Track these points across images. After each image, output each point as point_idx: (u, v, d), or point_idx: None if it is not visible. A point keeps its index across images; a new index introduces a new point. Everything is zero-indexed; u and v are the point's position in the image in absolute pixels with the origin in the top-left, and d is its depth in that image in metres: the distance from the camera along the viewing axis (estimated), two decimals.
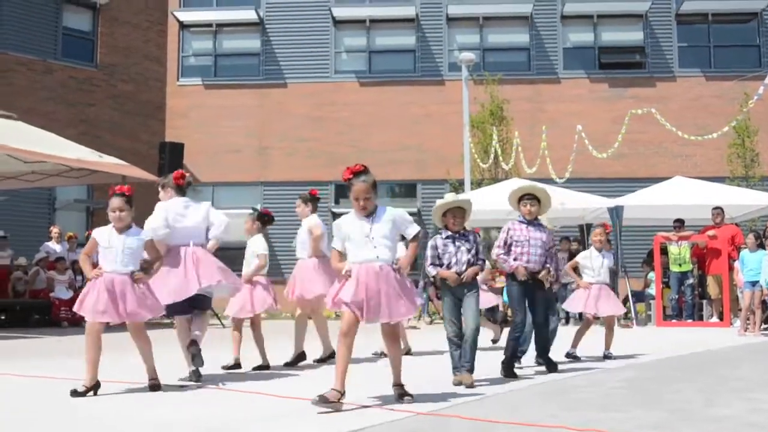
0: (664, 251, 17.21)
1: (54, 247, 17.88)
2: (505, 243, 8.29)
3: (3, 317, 17.18)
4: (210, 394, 7.02)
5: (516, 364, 8.30)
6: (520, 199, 8.41)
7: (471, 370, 7.31)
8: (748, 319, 14.24)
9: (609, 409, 6.00)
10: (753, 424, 5.33)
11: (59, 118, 20.84)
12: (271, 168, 23.76)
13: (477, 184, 20.83)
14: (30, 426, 5.55)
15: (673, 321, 16.75)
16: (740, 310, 14.87)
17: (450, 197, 7.79)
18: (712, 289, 16.64)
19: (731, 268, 16.05)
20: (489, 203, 15.62)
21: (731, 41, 24.13)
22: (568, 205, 17.27)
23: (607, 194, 19.08)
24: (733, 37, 24.20)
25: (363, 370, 8.72)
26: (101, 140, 20.84)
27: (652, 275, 17.70)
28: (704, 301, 17.23)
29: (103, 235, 6.91)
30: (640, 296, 18.05)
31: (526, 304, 8.24)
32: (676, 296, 17.03)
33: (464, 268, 7.46)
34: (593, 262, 9.84)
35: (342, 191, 23.96)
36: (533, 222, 8.35)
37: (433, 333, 14.10)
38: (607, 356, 9.73)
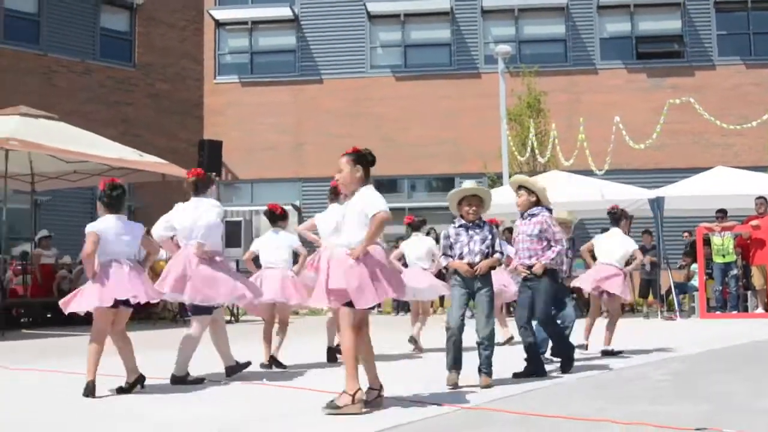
0: (707, 242, 17.01)
1: None
2: (515, 242, 8.02)
3: (48, 315, 17.38)
4: (248, 390, 7.06)
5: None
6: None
7: (489, 374, 6.95)
8: None
9: (656, 402, 5.96)
10: None
11: (99, 118, 21.06)
12: (308, 164, 23.82)
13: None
14: (59, 421, 5.62)
15: (717, 313, 16.56)
16: None
17: (468, 184, 7.39)
18: (756, 279, 16.42)
19: None
20: None
21: None
22: (608, 196, 17.12)
23: (647, 185, 18.89)
24: None
25: (408, 366, 8.73)
26: (140, 139, 21.02)
27: (694, 267, 17.51)
28: (749, 293, 17.02)
29: None
30: (683, 288, 17.87)
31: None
32: (720, 288, 16.83)
33: (477, 258, 7.05)
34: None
35: (379, 186, 23.95)
36: (523, 214, 7.86)
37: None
38: (606, 352, 9.23)
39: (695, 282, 17.30)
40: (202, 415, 5.80)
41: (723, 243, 16.79)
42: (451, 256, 7.20)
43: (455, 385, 6.80)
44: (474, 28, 24.29)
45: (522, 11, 24.22)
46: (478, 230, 7.17)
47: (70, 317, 16.98)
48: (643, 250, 18.13)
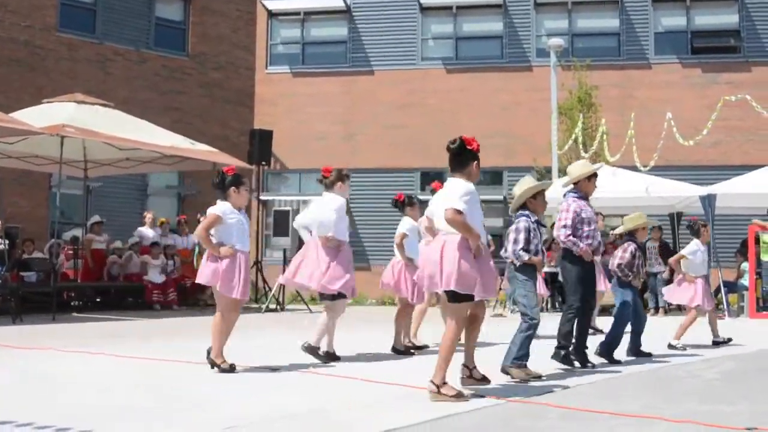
0: (757, 240, 16.73)
1: (147, 232, 18.27)
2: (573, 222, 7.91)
3: (98, 300, 17.68)
4: (311, 379, 7.11)
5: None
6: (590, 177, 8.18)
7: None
8: None
9: (707, 401, 5.89)
10: None
11: (153, 106, 21.25)
12: (358, 155, 23.82)
13: (564, 171, 20.52)
14: (131, 406, 5.71)
15: (765, 313, 16.29)
16: None
17: (533, 179, 7.56)
18: None
19: None
20: None
21: None
22: (655, 193, 16.91)
23: (701, 182, 18.61)
24: None
25: (458, 357, 8.71)
26: (192, 127, 21.17)
27: (745, 265, 17.25)
28: None
29: None
30: (732, 287, 17.61)
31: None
32: None
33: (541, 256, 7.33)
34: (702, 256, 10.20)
35: (428, 179, 23.96)
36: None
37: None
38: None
39: (745, 281, 17.04)
40: (279, 404, 5.79)
41: None
42: (528, 251, 7.20)
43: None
44: (526, 21, 24.10)
45: (575, 4, 23.96)
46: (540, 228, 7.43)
47: (120, 302, 17.36)
48: None
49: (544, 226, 7.59)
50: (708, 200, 17.05)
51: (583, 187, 8.11)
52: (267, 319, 14.39)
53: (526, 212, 7.35)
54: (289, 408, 5.56)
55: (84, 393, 6.22)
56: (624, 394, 6.28)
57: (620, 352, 8.45)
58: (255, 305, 18.01)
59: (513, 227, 7.36)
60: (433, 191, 8.66)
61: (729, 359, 8.67)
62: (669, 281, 18.42)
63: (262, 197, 20.38)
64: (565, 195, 8.27)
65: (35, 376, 7.05)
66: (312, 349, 8.09)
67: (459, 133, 23.81)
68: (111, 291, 17.82)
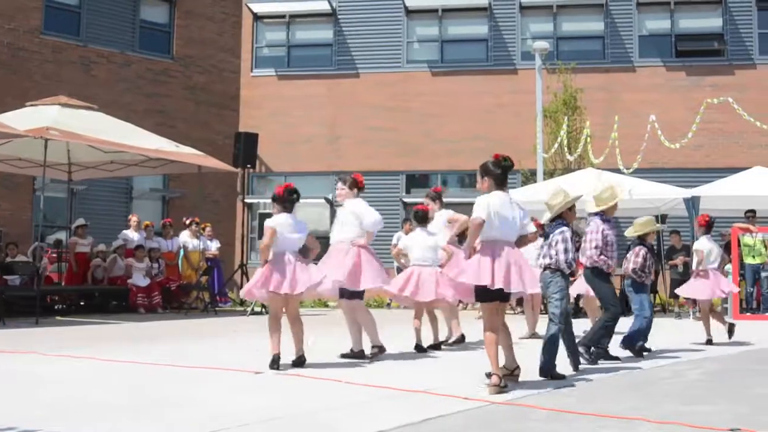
0: (739, 243, 16.80)
1: (131, 235, 18.17)
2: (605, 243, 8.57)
3: (82, 303, 17.58)
4: (290, 381, 7.09)
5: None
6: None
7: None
8: None
9: (691, 402, 5.91)
10: None
11: (137, 109, 21.18)
12: (344, 158, 23.81)
13: (549, 174, 20.61)
14: (115, 408, 5.68)
15: (747, 314, 16.36)
16: None
17: (563, 192, 7.99)
18: None
19: None
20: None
21: None
22: (639, 195, 16.96)
23: (685, 185, 18.68)
24: None
25: (442, 359, 8.73)
26: (177, 130, 21.11)
27: (728, 267, 17.30)
28: None
29: None
30: None
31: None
32: (752, 289, 16.63)
33: None
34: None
35: (412, 181, 23.96)
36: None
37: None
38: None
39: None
40: (264, 406, 5.79)
41: (754, 243, 16.59)
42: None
43: None
44: (512, 24, 24.15)
45: (560, 7, 24.03)
46: None
47: (104, 305, 17.27)
48: (673, 250, 18.00)
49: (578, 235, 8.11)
50: (692, 202, 17.12)
51: (609, 211, 8.79)
52: (252, 322, 14.35)
53: (565, 222, 7.79)
54: (274, 410, 5.55)
55: (66, 395, 6.19)
56: (609, 396, 6.30)
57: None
58: (240, 308, 17.98)
59: (559, 237, 7.62)
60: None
61: (712, 360, 8.71)
62: (654, 283, 18.54)
63: (247, 200, 20.32)
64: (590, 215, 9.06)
65: (18, 380, 7.01)
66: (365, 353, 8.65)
67: (443, 136, 23.84)
68: (95, 294, 17.72)
